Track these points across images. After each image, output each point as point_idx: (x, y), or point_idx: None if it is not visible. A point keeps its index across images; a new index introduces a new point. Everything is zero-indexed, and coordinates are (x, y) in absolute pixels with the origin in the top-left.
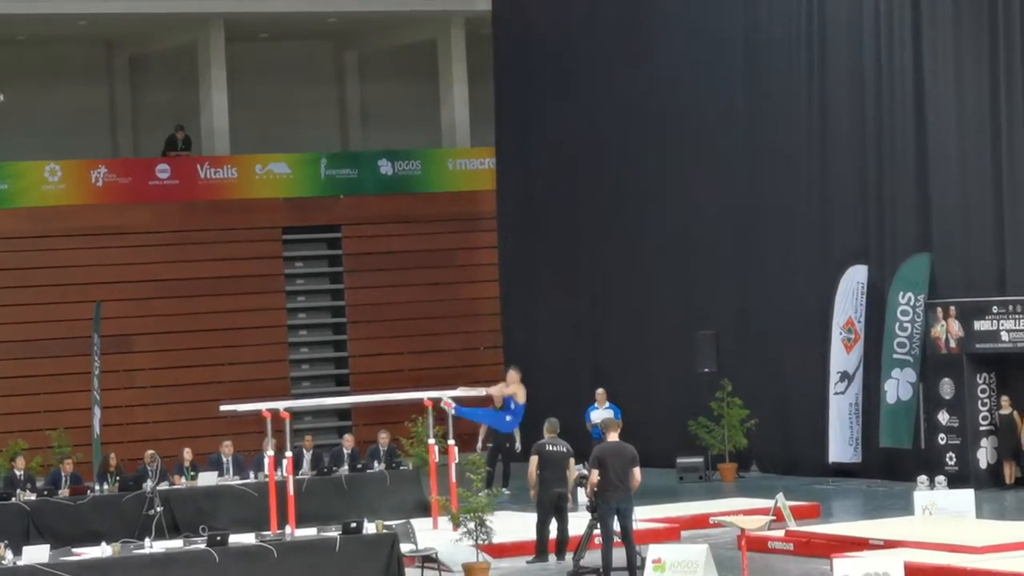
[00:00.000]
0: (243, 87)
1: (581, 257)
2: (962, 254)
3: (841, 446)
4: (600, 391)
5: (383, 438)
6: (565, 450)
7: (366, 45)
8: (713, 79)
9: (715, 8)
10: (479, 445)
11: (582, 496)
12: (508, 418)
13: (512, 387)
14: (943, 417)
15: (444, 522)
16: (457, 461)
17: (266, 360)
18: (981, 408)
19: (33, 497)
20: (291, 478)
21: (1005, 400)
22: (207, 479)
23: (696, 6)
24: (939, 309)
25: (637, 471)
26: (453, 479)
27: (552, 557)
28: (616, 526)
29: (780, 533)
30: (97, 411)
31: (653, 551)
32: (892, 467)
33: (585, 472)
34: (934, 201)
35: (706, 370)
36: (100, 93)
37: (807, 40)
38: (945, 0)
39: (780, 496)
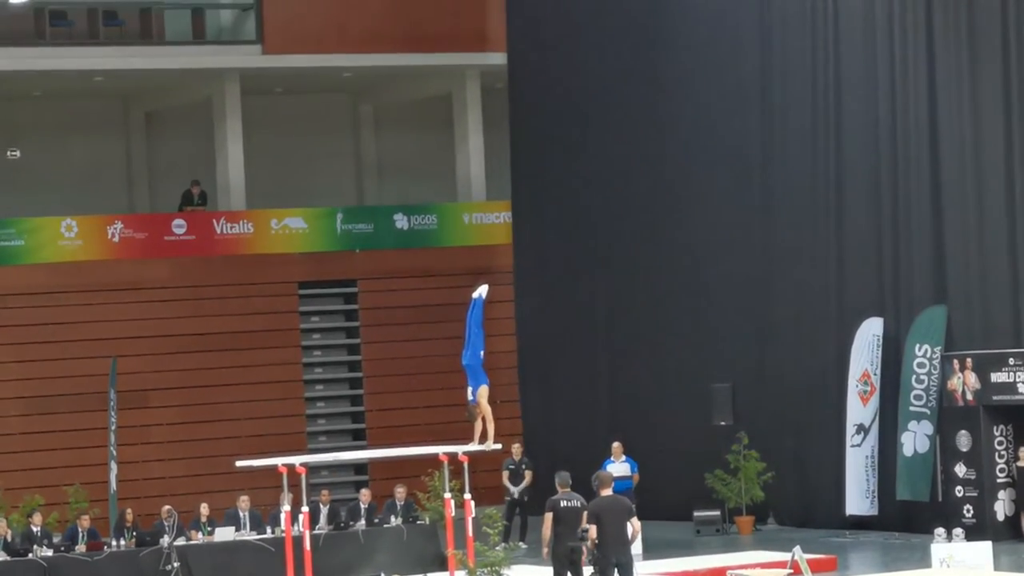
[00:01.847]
0: (259, 141)
1: (597, 310)
2: (978, 306)
3: (858, 499)
4: (616, 444)
5: (400, 492)
6: (579, 504)
7: (381, 98)
8: (729, 133)
9: (731, 63)
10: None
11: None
12: None
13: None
14: (960, 469)
15: None
16: (474, 515)
17: (282, 415)
18: (998, 460)
19: (50, 553)
20: (308, 533)
21: (1022, 452)
22: (224, 534)
23: (712, 60)
24: (955, 361)
25: (635, 521)
26: (470, 533)
27: None
28: None
29: None
30: (114, 466)
31: None
32: (909, 519)
33: (586, 526)
34: (950, 253)
35: (722, 423)
36: (116, 148)
37: (823, 92)
38: (960, 50)
39: (797, 549)
